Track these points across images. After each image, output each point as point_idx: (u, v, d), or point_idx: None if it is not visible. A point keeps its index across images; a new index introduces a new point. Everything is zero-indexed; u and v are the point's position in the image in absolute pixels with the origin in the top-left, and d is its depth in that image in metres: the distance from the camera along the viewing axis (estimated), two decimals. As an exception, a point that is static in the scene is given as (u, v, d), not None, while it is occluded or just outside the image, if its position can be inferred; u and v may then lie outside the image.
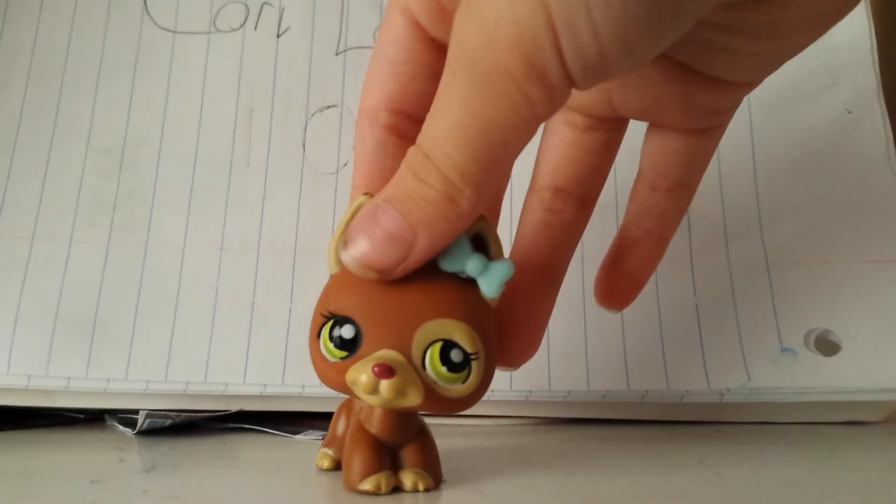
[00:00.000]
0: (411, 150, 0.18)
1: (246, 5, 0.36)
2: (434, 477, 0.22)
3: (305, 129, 0.35)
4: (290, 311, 0.32)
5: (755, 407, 0.31)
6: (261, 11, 0.36)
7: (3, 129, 0.34)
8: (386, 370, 0.18)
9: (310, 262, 0.32)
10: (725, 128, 0.23)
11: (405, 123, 0.22)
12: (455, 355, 0.20)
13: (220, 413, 0.31)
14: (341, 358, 0.20)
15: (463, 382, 0.20)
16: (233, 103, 0.35)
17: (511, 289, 0.21)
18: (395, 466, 0.22)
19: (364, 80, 0.23)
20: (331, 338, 0.20)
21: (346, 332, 0.20)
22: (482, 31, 0.16)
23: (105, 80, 0.35)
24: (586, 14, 0.15)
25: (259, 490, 0.23)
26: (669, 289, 0.32)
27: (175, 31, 0.36)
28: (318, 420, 0.31)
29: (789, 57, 0.20)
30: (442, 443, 0.25)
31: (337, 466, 0.24)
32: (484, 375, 0.20)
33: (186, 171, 0.34)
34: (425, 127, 0.18)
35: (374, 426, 0.21)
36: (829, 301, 0.31)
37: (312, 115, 0.35)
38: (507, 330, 0.22)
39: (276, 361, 0.31)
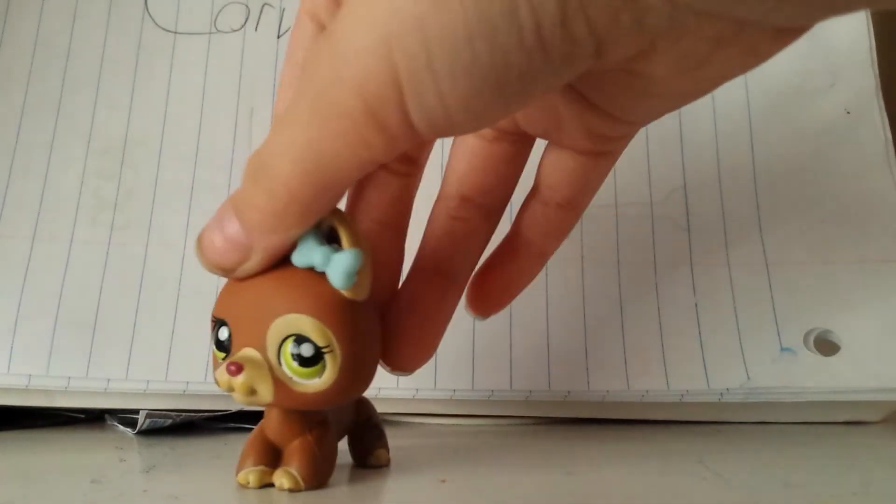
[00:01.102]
0: (253, 156, 0.18)
1: (246, 6, 0.36)
2: (307, 478, 0.21)
3: None
4: (291, 311, 0.32)
5: (755, 407, 0.31)
6: (261, 12, 0.36)
7: (4, 130, 0.34)
8: (236, 368, 0.19)
9: (310, 262, 0.32)
10: (619, 154, 0.23)
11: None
12: (305, 349, 0.19)
13: (220, 413, 0.31)
14: (222, 359, 0.20)
15: (319, 377, 0.20)
16: (233, 104, 0.35)
17: (406, 292, 0.22)
18: (276, 464, 0.22)
19: (278, 88, 0.22)
20: (213, 340, 0.20)
21: (222, 333, 0.20)
22: (332, 66, 0.16)
23: (106, 81, 0.35)
24: (433, 81, 0.15)
25: (258, 490, 0.23)
26: (669, 289, 0.32)
27: (176, 32, 0.36)
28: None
29: (668, 112, 0.20)
30: (441, 442, 0.25)
31: None
32: (343, 370, 0.20)
33: (187, 172, 0.34)
34: (270, 132, 0.18)
35: (265, 423, 0.22)
36: (828, 301, 0.31)
37: (312, 115, 0.35)
38: (400, 333, 0.23)
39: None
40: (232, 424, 0.31)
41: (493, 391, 0.30)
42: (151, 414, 0.29)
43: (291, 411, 0.21)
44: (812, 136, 0.34)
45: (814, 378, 0.30)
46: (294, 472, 0.21)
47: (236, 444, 0.29)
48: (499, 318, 0.31)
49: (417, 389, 0.30)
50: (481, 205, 0.24)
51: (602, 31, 0.15)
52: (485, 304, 0.25)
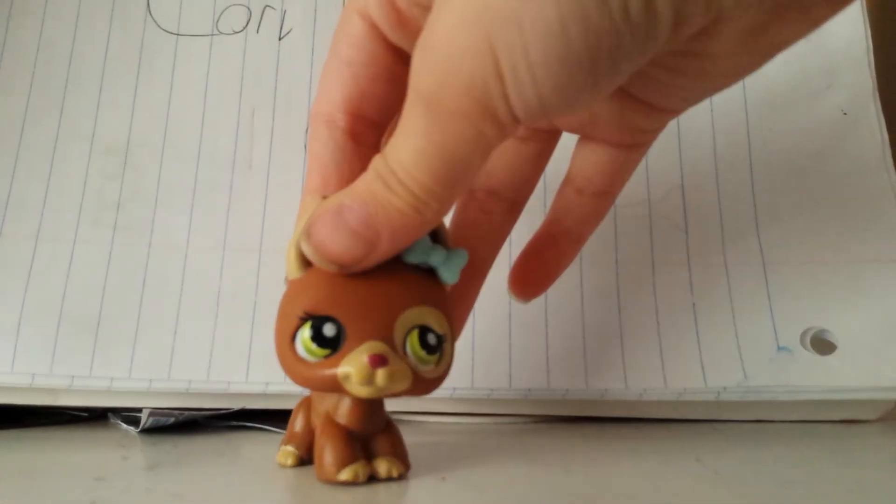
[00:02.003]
0: (380, 160, 0.19)
1: (248, 8, 0.36)
2: (406, 464, 0.23)
3: (307, 130, 0.35)
4: (292, 310, 0.32)
5: (752, 405, 0.31)
6: (263, 14, 0.36)
7: (8, 131, 0.34)
8: (381, 359, 0.19)
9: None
10: (650, 144, 0.24)
11: (363, 127, 0.23)
12: (431, 339, 0.21)
13: (222, 411, 0.31)
14: (324, 356, 0.20)
15: (437, 364, 0.21)
16: (235, 105, 0.35)
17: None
18: (367, 456, 0.22)
19: (320, 82, 0.23)
20: (313, 338, 0.20)
21: (329, 330, 0.20)
22: (437, 75, 0.17)
23: (108, 82, 0.35)
24: (529, 69, 0.16)
25: (261, 488, 0.23)
26: (667, 288, 0.32)
27: (178, 34, 0.36)
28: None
29: (715, 93, 0.21)
30: (440, 440, 0.25)
31: (301, 463, 0.24)
32: (452, 355, 0.22)
33: (189, 172, 0.34)
34: (392, 146, 0.19)
35: (345, 418, 0.22)
36: (825, 300, 0.31)
37: (313, 116, 0.35)
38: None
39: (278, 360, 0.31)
40: (235, 423, 0.31)
41: (492, 390, 0.31)
42: (154, 412, 0.29)
43: (377, 403, 0.22)
44: (809, 137, 0.34)
45: (810, 377, 0.30)
46: (396, 459, 0.23)
47: (238, 443, 0.29)
48: (498, 317, 0.32)
49: (417, 388, 0.31)
50: (507, 199, 0.25)
51: (679, 4, 0.16)
52: (527, 288, 0.26)
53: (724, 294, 0.32)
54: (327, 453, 0.22)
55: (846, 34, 0.35)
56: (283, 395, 0.31)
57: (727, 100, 0.35)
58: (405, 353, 0.20)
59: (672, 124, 0.34)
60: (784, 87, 0.34)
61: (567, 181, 0.25)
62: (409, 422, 0.32)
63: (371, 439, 0.23)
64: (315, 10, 0.36)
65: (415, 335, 0.21)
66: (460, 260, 0.22)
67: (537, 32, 0.16)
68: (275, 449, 0.26)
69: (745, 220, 0.33)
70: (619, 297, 0.32)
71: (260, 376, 0.31)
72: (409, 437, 0.29)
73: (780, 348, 0.31)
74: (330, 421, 0.22)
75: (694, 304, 0.32)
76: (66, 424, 0.32)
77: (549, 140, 0.25)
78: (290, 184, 0.34)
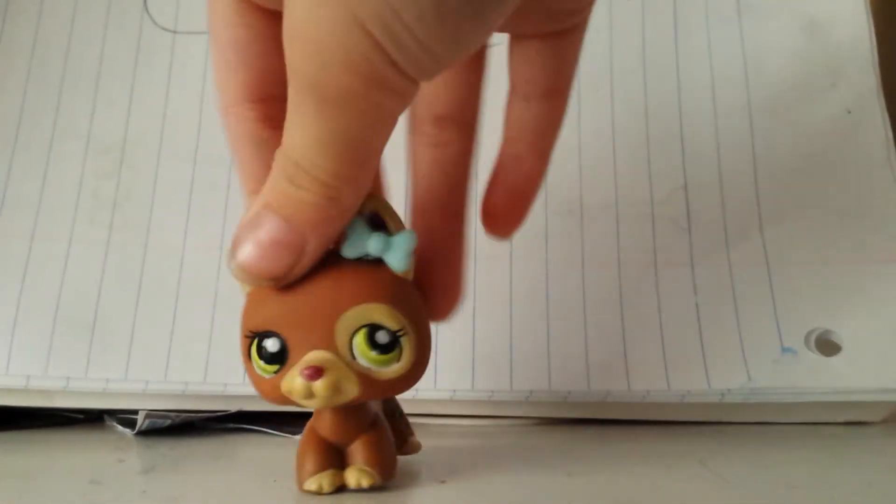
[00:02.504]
0: (279, 156, 0.18)
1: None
2: (382, 472, 0.21)
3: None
4: (290, 311, 0.32)
5: (756, 407, 0.31)
6: (261, 11, 0.36)
7: (3, 129, 0.34)
8: (315, 371, 0.19)
9: (309, 262, 0.32)
10: (585, 26, 0.22)
11: (273, 109, 0.21)
12: (381, 337, 0.19)
13: (219, 413, 0.31)
14: (275, 372, 0.20)
15: (398, 361, 0.20)
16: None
17: (421, 240, 0.21)
18: (343, 465, 0.22)
19: (214, 75, 0.21)
20: (260, 356, 0.20)
21: (272, 345, 0.20)
22: (312, 58, 0.16)
23: (105, 80, 0.35)
24: (407, 31, 0.15)
25: (258, 490, 0.23)
26: (670, 289, 0.32)
27: (175, 31, 0.36)
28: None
29: None
30: (442, 443, 0.25)
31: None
32: (418, 348, 0.20)
33: (186, 171, 0.34)
34: (286, 136, 0.18)
35: (322, 427, 0.21)
36: (829, 301, 0.31)
37: (312, 115, 0.35)
38: (427, 282, 0.22)
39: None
40: (231, 425, 0.31)
41: (493, 391, 0.30)
42: (150, 414, 0.29)
43: (349, 409, 0.21)
44: (813, 136, 0.34)
45: (815, 378, 0.30)
46: (368, 468, 0.21)
47: (235, 445, 0.29)
48: (499, 319, 0.31)
49: (417, 389, 0.30)
50: (457, 120, 0.23)
51: None
52: (501, 221, 0.24)
53: (728, 295, 0.31)
54: (302, 461, 0.21)
55: (850, 33, 0.35)
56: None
57: (730, 99, 0.34)
58: (353, 357, 0.19)
59: (674, 123, 0.34)
60: (788, 87, 0.34)
61: (511, 91, 0.23)
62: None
63: (348, 446, 0.22)
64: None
65: (362, 336, 0.19)
66: (405, 243, 0.20)
67: None
68: (272, 451, 0.26)
69: (749, 220, 0.33)
70: (621, 298, 0.32)
71: (258, 378, 0.30)
72: (408, 440, 0.29)
73: (784, 349, 0.30)
74: (310, 429, 0.22)
75: (697, 305, 0.31)
76: (62, 426, 0.32)
77: None
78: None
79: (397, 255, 0.20)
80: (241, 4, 0.20)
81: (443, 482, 0.22)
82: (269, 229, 0.18)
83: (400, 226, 0.20)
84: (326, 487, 0.21)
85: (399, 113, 0.17)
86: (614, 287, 0.32)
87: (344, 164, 0.17)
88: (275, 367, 0.20)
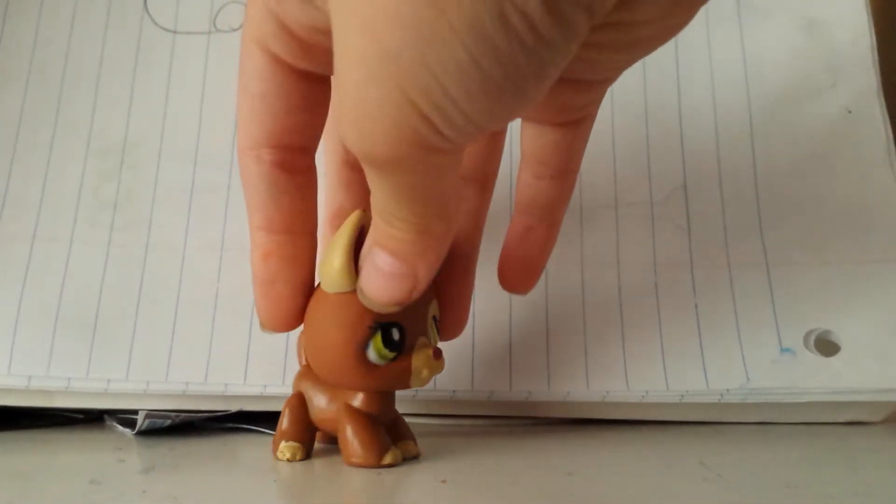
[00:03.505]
0: (374, 208, 0.20)
1: (246, 5, 0.36)
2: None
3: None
4: (290, 311, 0.32)
5: (755, 407, 0.31)
6: (261, 12, 0.36)
7: (4, 130, 0.34)
8: (439, 352, 0.24)
9: (310, 262, 0.32)
10: (595, 115, 0.24)
11: (290, 157, 0.22)
12: (437, 324, 0.25)
13: (219, 413, 0.31)
14: (392, 359, 0.23)
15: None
16: (233, 103, 0.35)
17: (436, 281, 0.23)
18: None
19: (237, 116, 0.22)
20: (384, 343, 0.23)
21: (395, 334, 0.23)
22: (363, 132, 0.17)
23: (105, 81, 0.35)
24: (454, 106, 0.16)
25: (258, 490, 0.23)
26: (669, 289, 0.32)
27: (175, 32, 0.36)
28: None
29: (647, 54, 0.20)
30: (442, 442, 0.25)
31: (306, 456, 0.25)
32: None
33: (187, 172, 0.34)
34: (373, 203, 0.20)
35: (375, 407, 0.24)
36: (828, 301, 0.31)
37: (312, 115, 0.35)
38: (440, 314, 0.25)
39: (276, 362, 0.31)
40: (231, 425, 0.31)
41: (492, 391, 0.30)
42: (151, 414, 0.29)
43: (392, 393, 0.25)
44: (813, 136, 0.34)
45: (814, 379, 0.30)
46: (412, 441, 0.25)
47: (235, 445, 0.29)
48: (498, 319, 0.31)
49: (417, 390, 0.30)
50: (475, 180, 0.26)
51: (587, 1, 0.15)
52: (517, 283, 0.27)
53: (727, 295, 0.31)
54: (365, 440, 0.24)
55: (850, 32, 0.35)
56: (281, 398, 0.31)
57: (730, 100, 0.34)
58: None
59: (674, 124, 0.34)
60: (787, 86, 0.34)
61: (522, 167, 0.25)
62: (409, 423, 0.32)
63: (390, 423, 0.25)
64: (314, 8, 0.36)
65: (433, 325, 0.24)
66: None
67: (450, 73, 0.15)
68: (271, 451, 0.26)
69: (749, 221, 0.33)
70: (620, 298, 0.32)
71: (258, 378, 0.31)
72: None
73: (783, 350, 0.30)
74: (357, 412, 0.24)
75: (696, 306, 0.31)
76: (62, 426, 0.32)
77: None
78: (289, 183, 0.34)
79: None
80: (276, 63, 0.21)
81: (443, 481, 0.22)
82: (382, 265, 0.21)
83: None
84: (400, 459, 0.24)
85: (455, 163, 0.19)
86: (614, 287, 0.32)
87: (420, 210, 0.19)
88: (394, 354, 0.23)
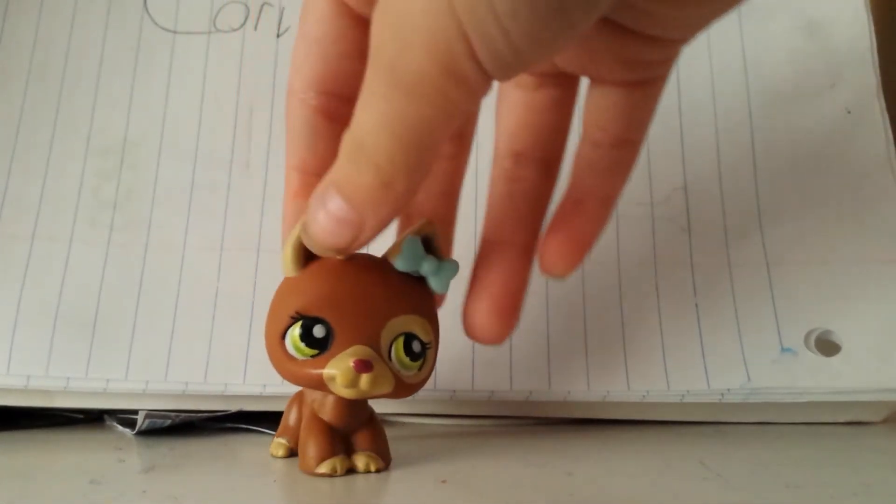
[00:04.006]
0: (347, 137, 0.19)
1: (246, 5, 0.36)
2: (385, 460, 0.24)
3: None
4: (290, 311, 0.32)
5: (755, 407, 0.31)
6: (261, 11, 0.36)
7: (3, 130, 0.34)
8: (365, 365, 0.21)
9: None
10: (665, 81, 0.23)
11: (335, 104, 0.23)
12: (415, 346, 0.22)
13: (218, 413, 0.31)
14: (312, 356, 0.21)
15: (419, 369, 0.22)
16: (233, 103, 0.35)
17: (481, 268, 0.23)
18: (348, 451, 0.24)
19: (291, 59, 0.23)
20: (302, 337, 0.21)
21: (318, 331, 0.21)
22: (397, 37, 0.17)
23: (105, 80, 0.35)
24: (496, 23, 0.15)
25: (258, 490, 0.23)
26: (669, 289, 0.32)
27: (175, 31, 0.36)
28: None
29: (718, 18, 0.19)
30: (442, 443, 0.25)
31: (291, 454, 0.25)
32: (433, 361, 0.23)
33: (186, 171, 0.34)
34: (356, 116, 0.19)
35: (328, 414, 0.23)
36: (829, 301, 0.31)
37: (312, 115, 0.35)
38: (484, 308, 0.23)
39: (275, 362, 0.31)
40: (230, 425, 0.31)
41: (493, 391, 0.30)
42: (150, 414, 0.29)
43: (359, 402, 0.23)
44: (813, 136, 0.34)
45: (814, 378, 0.30)
46: (375, 455, 0.24)
47: (235, 445, 0.29)
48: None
49: (417, 390, 0.30)
50: (536, 159, 0.24)
51: None
52: (559, 263, 0.24)
53: (728, 295, 0.31)
54: (310, 447, 0.23)
55: (850, 32, 0.35)
56: (281, 397, 0.31)
57: (730, 99, 0.34)
58: (390, 358, 0.22)
59: (674, 124, 0.34)
60: (787, 86, 0.34)
61: (583, 137, 0.23)
62: (409, 423, 0.32)
63: (353, 434, 0.24)
64: (314, 8, 0.36)
65: (400, 342, 0.22)
66: (451, 271, 0.23)
67: None
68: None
69: (749, 221, 0.33)
70: (621, 298, 0.32)
71: (257, 378, 0.30)
72: (409, 439, 0.29)
73: (783, 349, 0.30)
74: (314, 416, 0.23)
75: (697, 306, 0.31)
76: (62, 426, 0.32)
77: (563, 85, 0.24)
78: (289, 183, 0.34)
79: (443, 279, 0.23)
80: (339, 8, 0.21)
81: (443, 482, 0.22)
82: (332, 206, 0.19)
83: (448, 253, 0.24)
84: (340, 470, 0.23)
85: (464, 111, 0.18)
86: (614, 287, 0.32)
87: (401, 150, 0.18)
88: (313, 352, 0.21)
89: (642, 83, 0.22)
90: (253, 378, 0.31)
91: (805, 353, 0.30)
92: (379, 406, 0.31)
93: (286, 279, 0.23)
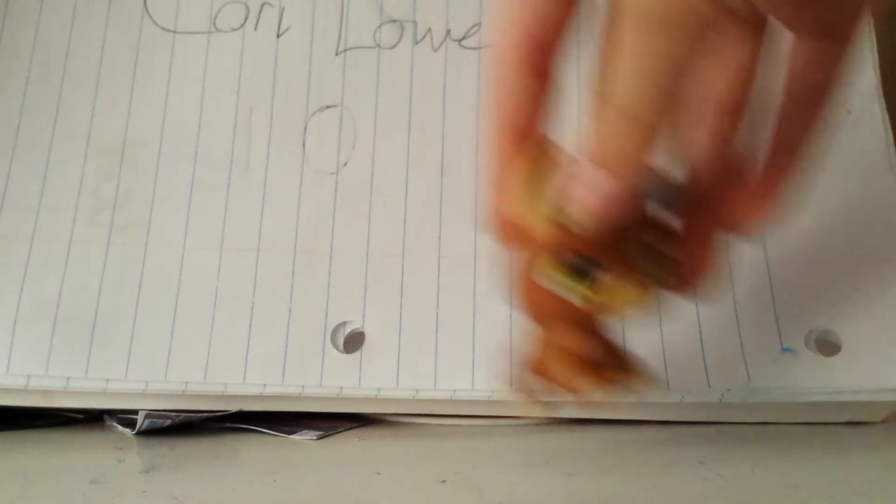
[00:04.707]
0: (598, 99, 0.19)
1: (246, 5, 0.36)
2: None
3: (305, 128, 0.34)
4: (290, 311, 0.32)
5: (755, 407, 0.31)
6: (261, 11, 0.36)
7: (3, 129, 0.34)
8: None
9: (309, 261, 0.32)
10: (848, 43, 0.22)
11: (543, 59, 0.22)
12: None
13: (219, 413, 0.31)
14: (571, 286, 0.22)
15: None
16: (233, 103, 0.35)
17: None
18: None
19: (500, 15, 0.22)
20: (576, 270, 0.22)
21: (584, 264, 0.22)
22: None
23: (105, 80, 0.35)
24: None
25: (258, 490, 0.23)
26: (670, 289, 0.32)
27: (175, 31, 0.36)
28: (314, 420, 0.31)
29: None
30: (440, 442, 0.25)
31: None
32: None
33: (186, 171, 0.34)
34: (602, 79, 0.18)
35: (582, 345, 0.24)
36: (829, 301, 0.31)
37: (312, 115, 0.35)
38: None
39: (275, 362, 0.31)
40: (230, 425, 0.31)
41: (493, 391, 0.30)
42: (150, 414, 0.29)
43: None
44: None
45: (815, 378, 0.30)
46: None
47: (235, 445, 0.29)
48: (498, 318, 0.31)
49: (417, 389, 0.30)
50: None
51: None
52: (759, 208, 0.23)
53: (728, 295, 0.31)
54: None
55: (850, 32, 0.34)
56: (281, 397, 0.31)
57: (730, 99, 0.34)
58: None
59: (674, 123, 0.34)
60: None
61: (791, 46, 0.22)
62: (409, 423, 0.32)
63: None
64: (314, 7, 0.36)
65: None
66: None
67: None
68: (272, 451, 0.26)
69: (749, 220, 0.33)
70: (621, 297, 0.32)
71: (257, 378, 0.30)
72: (409, 439, 0.29)
73: (784, 349, 0.30)
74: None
75: (697, 305, 0.31)
76: (62, 426, 0.32)
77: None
78: (289, 183, 0.34)
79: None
80: None
81: (443, 482, 0.22)
82: (597, 181, 0.20)
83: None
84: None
85: (707, 46, 0.17)
86: (614, 287, 0.32)
87: (654, 93, 0.18)
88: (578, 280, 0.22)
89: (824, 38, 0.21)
90: (253, 378, 0.30)
91: (805, 352, 0.30)
92: (379, 406, 0.31)
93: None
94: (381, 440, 0.29)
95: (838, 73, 0.23)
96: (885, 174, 0.33)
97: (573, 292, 0.22)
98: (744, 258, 0.32)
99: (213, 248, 0.33)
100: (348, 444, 0.29)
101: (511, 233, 0.24)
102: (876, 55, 0.34)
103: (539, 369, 0.25)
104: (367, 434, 0.30)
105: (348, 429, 0.31)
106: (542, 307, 0.23)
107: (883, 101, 0.34)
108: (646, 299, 0.22)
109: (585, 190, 0.20)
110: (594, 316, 0.23)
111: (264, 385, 0.30)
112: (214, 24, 0.36)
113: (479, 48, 0.35)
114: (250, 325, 0.31)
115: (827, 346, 0.31)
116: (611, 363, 0.24)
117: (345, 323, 0.31)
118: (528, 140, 0.23)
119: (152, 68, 0.35)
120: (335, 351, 0.31)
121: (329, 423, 0.31)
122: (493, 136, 0.23)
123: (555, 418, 0.32)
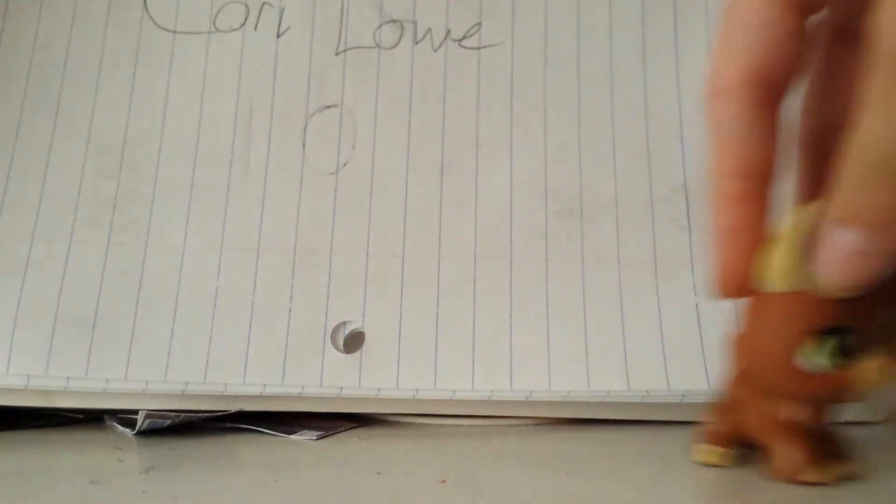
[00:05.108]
0: (856, 153, 0.17)
1: (246, 5, 0.36)
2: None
3: (305, 128, 0.34)
4: (290, 311, 0.32)
5: (755, 407, 0.31)
6: (261, 11, 0.36)
7: (3, 129, 0.34)
8: None
9: (309, 261, 0.32)
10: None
11: (768, 95, 0.21)
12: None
13: (219, 413, 0.31)
14: (836, 365, 0.21)
15: None
16: (233, 103, 0.35)
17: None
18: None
19: (714, 54, 0.21)
20: (835, 350, 0.20)
21: (850, 340, 0.20)
22: None
23: (105, 80, 0.35)
24: None
25: (258, 490, 0.23)
26: (670, 288, 0.32)
27: (175, 31, 0.36)
28: (314, 420, 0.31)
29: None
30: (442, 442, 0.25)
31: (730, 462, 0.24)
32: None
33: (186, 171, 0.34)
34: (865, 131, 0.17)
35: (808, 418, 0.23)
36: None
37: (312, 114, 0.35)
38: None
39: (275, 362, 0.31)
40: (231, 425, 0.31)
41: (493, 391, 0.30)
42: (150, 414, 0.29)
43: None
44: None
45: (815, 378, 0.30)
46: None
47: (235, 445, 0.29)
48: (498, 318, 0.31)
49: (417, 389, 0.30)
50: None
51: None
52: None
53: (729, 295, 0.31)
54: (783, 453, 0.22)
55: (850, 32, 0.34)
56: (281, 397, 0.31)
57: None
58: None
59: (674, 122, 0.34)
60: (787, 86, 0.34)
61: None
62: (409, 423, 0.32)
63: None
64: (314, 7, 0.36)
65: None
66: None
67: None
68: (272, 451, 0.26)
69: (749, 220, 0.33)
70: (621, 297, 0.32)
71: (257, 378, 0.30)
72: (409, 439, 0.29)
73: (784, 349, 0.30)
74: (792, 424, 0.23)
75: (697, 305, 0.31)
76: (62, 426, 0.32)
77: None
78: (289, 183, 0.34)
79: None
80: None
81: (443, 482, 0.22)
82: (845, 239, 0.18)
83: None
84: (830, 478, 0.22)
85: None
86: (614, 287, 0.32)
87: None
88: (842, 361, 0.21)
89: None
90: (253, 378, 0.30)
91: (805, 352, 0.30)
92: (379, 406, 0.31)
93: (781, 295, 0.21)
94: (381, 440, 0.29)
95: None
96: (885, 174, 0.33)
97: (831, 368, 0.21)
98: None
99: (212, 247, 0.33)
100: (348, 444, 0.29)
101: (745, 294, 0.22)
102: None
103: (739, 429, 0.24)
104: (367, 434, 0.30)
105: (348, 429, 0.31)
106: (800, 390, 0.22)
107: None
108: (892, 373, 0.21)
109: (841, 252, 0.18)
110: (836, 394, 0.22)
111: (264, 385, 0.30)
112: (214, 23, 0.36)
113: (478, 48, 0.35)
114: (250, 325, 0.31)
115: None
116: (826, 447, 0.23)
117: (345, 323, 0.32)
118: (762, 187, 0.21)
119: (152, 68, 0.35)
120: (335, 351, 0.31)
121: (329, 423, 0.31)
122: (719, 183, 0.22)
123: (555, 418, 0.32)
